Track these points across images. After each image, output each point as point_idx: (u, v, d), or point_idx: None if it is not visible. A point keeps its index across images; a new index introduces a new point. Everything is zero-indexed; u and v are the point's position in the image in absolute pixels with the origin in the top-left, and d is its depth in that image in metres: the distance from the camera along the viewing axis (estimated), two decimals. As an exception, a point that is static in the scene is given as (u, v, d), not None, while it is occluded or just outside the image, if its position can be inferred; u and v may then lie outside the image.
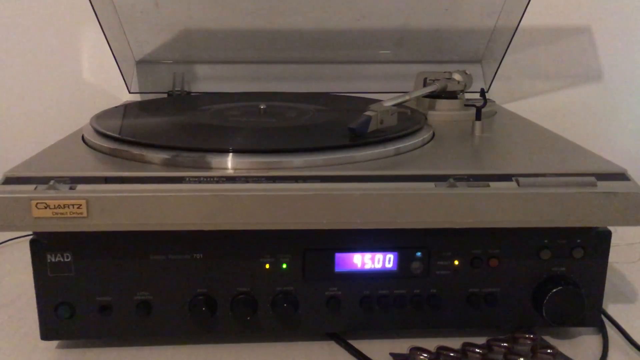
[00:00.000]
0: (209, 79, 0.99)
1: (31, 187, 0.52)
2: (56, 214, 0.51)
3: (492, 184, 0.55)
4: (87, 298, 0.57)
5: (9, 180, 0.53)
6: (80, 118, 0.80)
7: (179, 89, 0.96)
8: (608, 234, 0.59)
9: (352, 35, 0.95)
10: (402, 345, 0.60)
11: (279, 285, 0.59)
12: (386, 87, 0.95)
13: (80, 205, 0.51)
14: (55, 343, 0.60)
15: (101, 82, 1.01)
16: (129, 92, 0.96)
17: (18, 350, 0.59)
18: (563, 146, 0.68)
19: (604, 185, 0.55)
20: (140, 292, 0.58)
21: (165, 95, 0.95)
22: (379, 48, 0.98)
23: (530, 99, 1.06)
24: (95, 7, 0.81)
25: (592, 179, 0.55)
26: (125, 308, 0.58)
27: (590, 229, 0.58)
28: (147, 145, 0.60)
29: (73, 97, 1.01)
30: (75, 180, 0.53)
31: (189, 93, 0.97)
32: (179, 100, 0.92)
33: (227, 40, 0.95)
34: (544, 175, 0.56)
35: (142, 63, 0.97)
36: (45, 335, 0.58)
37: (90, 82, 1.01)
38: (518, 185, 0.55)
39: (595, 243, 0.59)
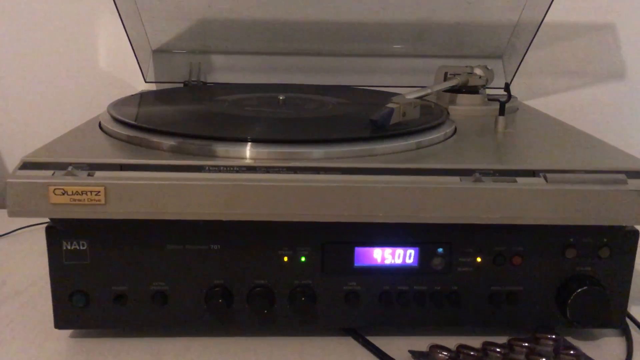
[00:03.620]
0: (226, 70, 0.98)
1: (49, 172, 0.51)
2: (74, 200, 0.50)
3: (519, 179, 0.53)
4: (103, 287, 0.56)
5: (26, 165, 0.52)
6: (96, 106, 0.80)
7: (195, 79, 0.95)
8: (636, 234, 0.58)
9: (371, 28, 0.94)
10: (422, 343, 0.59)
11: (297, 278, 0.58)
12: (405, 82, 0.93)
13: (99, 192, 0.50)
14: (69, 332, 0.60)
15: (117, 70, 1.01)
16: (145, 82, 0.95)
17: (31, 339, 0.59)
18: (591, 143, 0.66)
19: (634, 183, 0.53)
20: (156, 282, 0.57)
21: (181, 85, 0.94)
22: (399, 41, 0.97)
23: (552, 96, 1.04)
24: (113, -5, 0.81)
25: (623, 176, 0.54)
26: (141, 298, 0.57)
27: (618, 228, 0.57)
28: (167, 133, 0.59)
29: (89, 85, 1.01)
30: (93, 167, 0.52)
31: (205, 83, 0.96)
32: (196, 90, 0.91)
33: (245, 31, 0.94)
34: (572, 171, 0.54)
35: (159, 52, 0.96)
36: (59, 324, 0.57)
37: (106, 71, 1.01)
38: (546, 181, 0.53)
39: (622, 243, 0.58)
